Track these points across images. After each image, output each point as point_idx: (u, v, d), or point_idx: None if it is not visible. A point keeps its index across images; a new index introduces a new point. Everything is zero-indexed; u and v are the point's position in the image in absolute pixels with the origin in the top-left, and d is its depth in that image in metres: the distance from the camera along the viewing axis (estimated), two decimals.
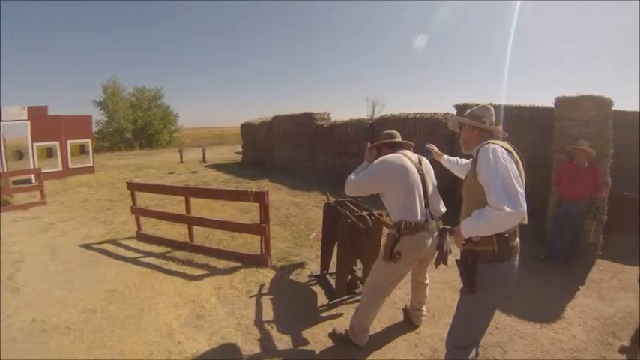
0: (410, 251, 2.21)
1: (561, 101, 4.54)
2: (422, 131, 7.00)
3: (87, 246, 4.79)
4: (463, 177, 2.18)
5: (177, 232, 5.14)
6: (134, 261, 4.24)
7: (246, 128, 14.70)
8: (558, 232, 4.12)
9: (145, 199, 6.84)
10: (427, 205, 2.25)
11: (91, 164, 12.64)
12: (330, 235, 3.45)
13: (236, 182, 10.01)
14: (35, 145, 10.87)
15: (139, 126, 31.70)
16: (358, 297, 3.04)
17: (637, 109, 5.67)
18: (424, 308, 2.78)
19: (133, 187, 4.97)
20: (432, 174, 2.40)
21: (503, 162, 1.61)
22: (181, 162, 15.79)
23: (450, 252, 2.03)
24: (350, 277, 3.24)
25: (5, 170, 9.62)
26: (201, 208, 6.17)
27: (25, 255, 4.47)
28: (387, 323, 2.83)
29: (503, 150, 1.68)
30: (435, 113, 7.08)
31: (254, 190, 3.91)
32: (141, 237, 5.00)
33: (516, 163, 1.68)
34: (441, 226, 2.16)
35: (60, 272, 3.93)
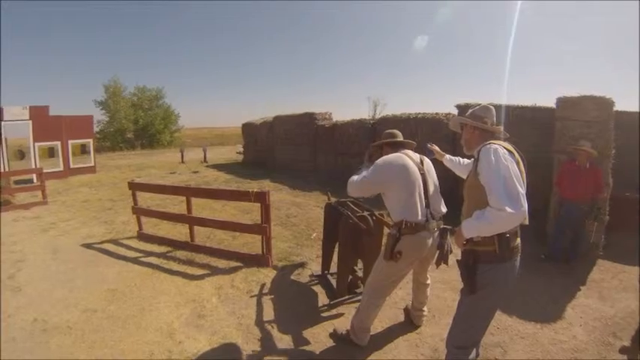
0: (410, 251, 2.21)
1: (562, 101, 4.53)
2: (423, 131, 6.99)
3: (88, 246, 4.80)
4: (465, 177, 2.18)
5: (179, 232, 5.15)
6: (135, 261, 4.24)
7: (248, 128, 14.71)
8: (559, 232, 4.11)
9: (146, 199, 6.85)
10: (428, 205, 2.25)
11: (92, 164, 12.68)
12: (331, 235, 3.45)
13: (237, 182, 10.02)
14: (37, 144, 10.91)
15: (140, 126, 31.77)
16: (359, 297, 3.04)
17: (637, 110, 5.66)
18: (425, 308, 2.78)
19: (135, 187, 4.98)
20: (434, 174, 2.40)
21: (504, 162, 1.61)
22: (182, 162, 15.81)
23: (451, 252, 2.03)
24: (351, 277, 3.24)
25: (7, 170, 9.65)
26: (202, 208, 6.18)
27: (26, 254, 4.48)
28: (388, 323, 2.83)
29: (505, 150, 1.68)
30: (437, 113, 7.07)
31: (255, 190, 3.91)
32: (142, 237, 5.00)
33: (517, 164, 1.68)
34: (442, 226, 2.16)
35: (61, 272, 3.94)
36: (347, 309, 3.02)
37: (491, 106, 1.93)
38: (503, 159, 1.62)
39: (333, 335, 2.63)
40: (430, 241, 2.23)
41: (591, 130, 4.27)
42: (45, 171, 7.98)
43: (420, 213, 2.19)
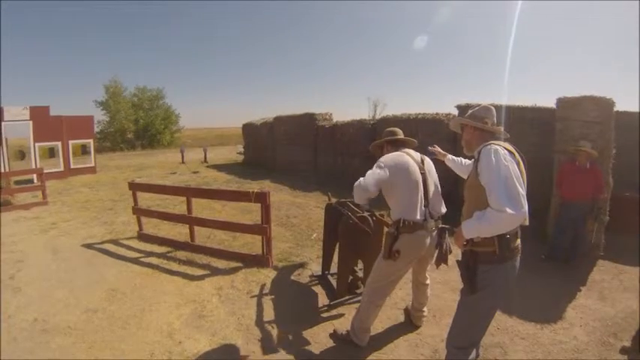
0: (409, 250, 2.21)
1: (563, 102, 4.53)
2: (424, 132, 6.98)
3: (88, 246, 4.81)
4: (466, 177, 2.18)
5: (179, 232, 5.15)
6: (135, 261, 4.24)
7: (248, 128, 14.70)
8: (560, 232, 4.11)
9: (146, 200, 6.85)
10: (427, 205, 2.25)
11: (92, 164, 12.68)
12: (331, 235, 3.44)
13: (237, 182, 10.02)
14: (37, 145, 10.92)
15: (141, 126, 31.77)
16: (359, 298, 3.04)
17: (637, 110, 5.65)
18: (425, 309, 2.78)
19: (135, 188, 4.98)
20: (435, 174, 2.40)
21: (505, 163, 1.61)
22: (183, 162, 15.80)
23: (451, 252, 2.04)
24: (351, 277, 3.24)
25: (7, 170, 9.66)
26: (202, 208, 6.17)
27: (27, 255, 4.48)
28: (388, 324, 2.83)
29: (505, 151, 1.68)
30: (437, 114, 7.06)
31: (255, 190, 3.91)
32: (142, 237, 5.01)
33: (518, 164, 1.68)
34: (440, 226, 2.16)
35: (61, 272, 3.94)
36: (347, 309, 3.02)
37: (491, 107, 1.92)
38: (504, 159, 1.62)
39: (334, 336, 2.64)
40: (428, 240, 2.24)
41: (591, 130, 4.26)
42: (45, 171, 7.98)
43: (418, 212, 2.19)
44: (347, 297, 3.16)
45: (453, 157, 2.59)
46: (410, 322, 2.80)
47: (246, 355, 2.47)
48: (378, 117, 10.85)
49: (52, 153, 12.09)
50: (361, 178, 2.26)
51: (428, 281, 2.71)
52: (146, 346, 2.59)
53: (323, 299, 3.23)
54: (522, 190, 1.58)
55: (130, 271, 3.95)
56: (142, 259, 4.29)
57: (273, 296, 3.31)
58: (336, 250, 3.34)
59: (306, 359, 2.44)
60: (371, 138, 7.84)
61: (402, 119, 7.56)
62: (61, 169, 11.39)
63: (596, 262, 4.12)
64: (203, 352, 2.52)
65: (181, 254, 4.38)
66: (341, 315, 2.97)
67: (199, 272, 3.87)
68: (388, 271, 2.31)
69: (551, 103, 4.85)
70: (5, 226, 5.73)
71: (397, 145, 2.47)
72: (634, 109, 5.70)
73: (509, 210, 1.51)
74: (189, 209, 4.44)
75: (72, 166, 11.84)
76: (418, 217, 2.19)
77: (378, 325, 2.74)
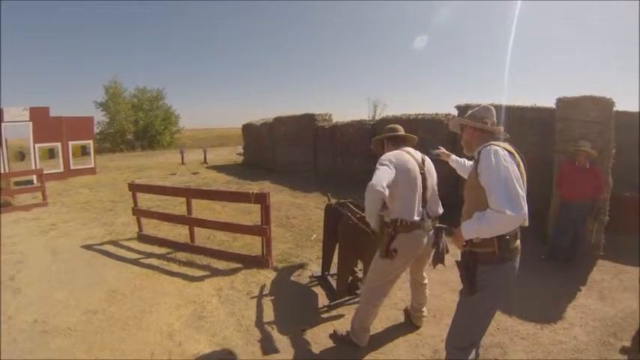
0: (406, 249, 2.22)
1: (563, 102, 4.53)
2: (424, 132, 6.97)
3: (88, 247, 4.81)
4: (467, 177, 2.18)
5: (179, 233, 5.15)
6: (135, 262, 4.24)
7: (248, 129, 14.71)
8: (559, 232, 4.11)
9: (146, 200, 6.86)
10: (425, 205, 2.25)
11: (92, 165, 12.69)
12: (331, 236, 3.44)
13: (237, 183, 10.03)
14: (37, 146, 10.93)
15: (141, 127, 31.75)
16: (359, 298, 3.03)
17: (637, 110, 5.66)
18: (424, 309, 2.78)
19: (135, 188, 4.98)
20: (434, 174, 2.40)
21: (504, 164, 1.61)
22: (183, 163, 15.81)
23: (447, 251, 2.04)
24: (351, 278, 3.23)
25: (7, 171, 9.66)
26: (202, 209, 6.17)
27: (27, 256, 4.48)
28: (388, 324, 2.83)
29: (505, 152, 1.68)
30: (437, 114, 7.07)
31: (255, 191, 3.91)
32: (142, 238, 5.00)
33: (518, 165, 1.68)
34: (437, 225, 2.17)
35: (61, 273, 3.94)
36: (347, 310, 3.02)
37: (491, 107, 1.92)
38: (504, 160, 1.62)
39: (333, 336, 2.64)
40: (425, 239, 2.24)
41: (591, 130, 4.27)
42: (45, 172, 7.99)
43: (416, 212, 2.20)
44: (347, 297, 3.16)
45: (457, 157, 2.59)
46: (410, 323, 2.80)
47: None
48: (377, 117, 10.86)
49: (51, 154, 12.09)
50: (371, 182, 2.07)
51: (425, 281, 2.71)
52: (146, 347, 2.59)
53: (323, 300, 3.23)
54: (522, 192, 1.58)
55: (130, 272, 3.95)
56: (141, 260, 4.29)
57: (273, 297, 3.31)
58: (336, 250, 3.33)
59: (307, 359, 2.45)
60: (371, 139, 7.82)
61: (402, 120, 7.55)
62: (61, 170, 11.40)
63: (596, 262, 4.12)
64: (203, 352, 2.52)
65: (181, 255, 4.38)
66: (341, 315, 2.97)
67: (199, 273, 3.87)
68: (385, 270, 2.31)
69: (551, 103, 4.86)
70: (5, 227, 5.73)
71: (397, 142, 2.47)
72: (634, 109, 5.71)
73: (508, 211, 1.51)
74: (189, 210, 4.44)
75: (72, 167, 11.85)
76: (416, 216, 2.20)
77: (378, 326, 2.74)
